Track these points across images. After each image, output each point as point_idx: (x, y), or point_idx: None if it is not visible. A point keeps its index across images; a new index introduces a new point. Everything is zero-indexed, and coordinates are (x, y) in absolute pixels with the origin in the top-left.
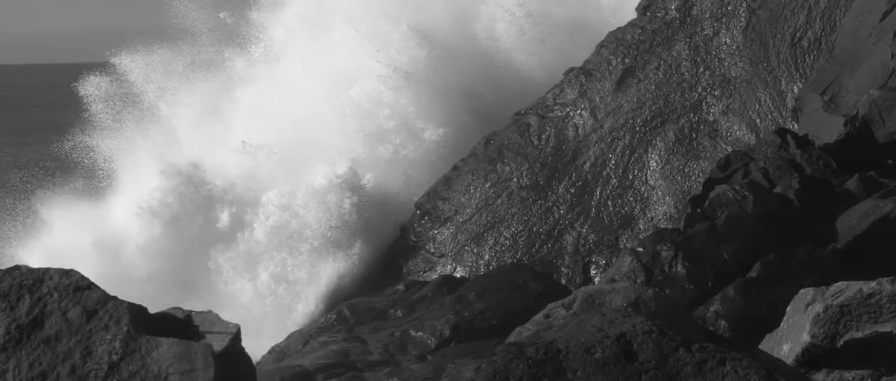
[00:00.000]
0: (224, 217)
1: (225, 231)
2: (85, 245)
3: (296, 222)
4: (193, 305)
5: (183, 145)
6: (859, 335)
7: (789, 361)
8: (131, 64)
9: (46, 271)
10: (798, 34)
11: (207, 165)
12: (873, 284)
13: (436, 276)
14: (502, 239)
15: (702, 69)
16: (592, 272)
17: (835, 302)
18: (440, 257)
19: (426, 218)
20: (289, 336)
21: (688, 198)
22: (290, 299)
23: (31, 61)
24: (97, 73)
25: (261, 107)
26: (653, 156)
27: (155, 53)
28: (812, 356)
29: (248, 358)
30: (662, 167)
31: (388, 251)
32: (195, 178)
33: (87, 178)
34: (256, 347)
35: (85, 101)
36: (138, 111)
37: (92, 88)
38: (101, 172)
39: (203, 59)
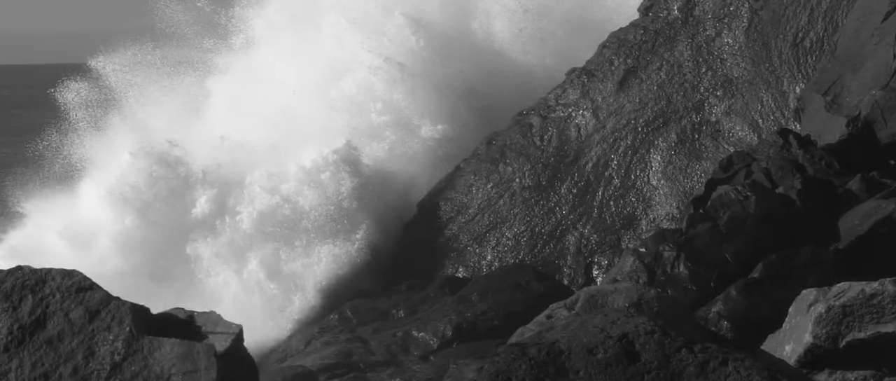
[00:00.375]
0: (203, 202)
1: (205, 219)
2: (53, 238)
3: (288, 207)
4: (168, 301)
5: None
6: (862, 335)
7: (792, 361)
8: (109, 66)
9: (49, 271)
10: (800, 35)
11: (184, 147)
12: (875, 284)
13: (438, 276)
14: (504, 240)
15: (704, 70)
16: (595, 273)
17: (837, 303)
18: (442, 257)
19: (428, 218)
20: (291, 336)
21: (690, 198)
22: (282, 295)
23: (34, 62)
24: (76, 78)
25: (241, 102)
26: (655, 156)
27: (134, 52)
28: (814, 357)
29: (251, 358)
30: (664, 168)
31: (390, 251)
32: (170, 158)
33: (62, 172)
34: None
35: (64, 107)
36: (115, 110)
37: (71, 94)
38: (75, 171)
39: (183, 54)
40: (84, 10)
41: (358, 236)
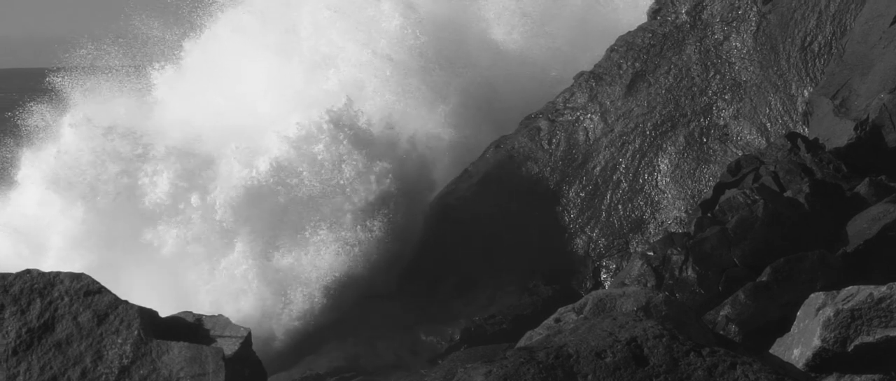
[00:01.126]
0: (165, 181)
1: (169, 204)
2: None
3: (280, 188)
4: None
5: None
6: (870, 339)
7: (800, 365)
8: (68, 79)
9: (57, 274)
10: (808, 38)
11: (139, 116)
12: (884, 288)
13: (446, 280)
14: (513, 243)
15: (712, 73)
16: (603, 276)
17: (845, 306)
18: (450, 260)
19: (436, 221)
20: (295, 339)
21: (698, 202)
22: (271, 293)
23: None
24: (38, 100)
25: (207, 103)
26: (663, 160)
27: (95, 56)
28: (823, 361)
29: (259, 362)
30: (673, 171)
31: (397, 253)
32: (123, 130)
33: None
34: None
35: (26, 132)
36: (82, 111)
37: (35, 118)
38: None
39: (150, 54)
40: (48, 14)
41: (369, 223)
